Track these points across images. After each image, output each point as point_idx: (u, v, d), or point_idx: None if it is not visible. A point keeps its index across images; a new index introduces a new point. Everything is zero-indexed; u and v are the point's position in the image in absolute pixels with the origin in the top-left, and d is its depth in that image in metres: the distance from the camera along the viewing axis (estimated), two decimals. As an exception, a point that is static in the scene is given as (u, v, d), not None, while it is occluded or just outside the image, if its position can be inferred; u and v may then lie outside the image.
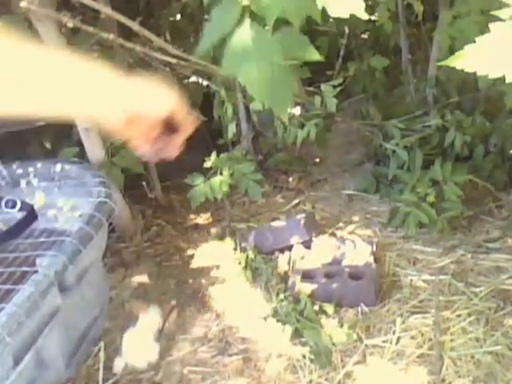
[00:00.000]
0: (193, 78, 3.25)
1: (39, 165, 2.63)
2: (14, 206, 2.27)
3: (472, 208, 2.80)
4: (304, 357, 2.12)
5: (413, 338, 2.15)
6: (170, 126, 0.94)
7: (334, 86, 2.99)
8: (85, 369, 2.17)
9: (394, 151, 2.96)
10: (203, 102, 3.33)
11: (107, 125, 0.87)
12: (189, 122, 0.96)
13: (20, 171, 2.61)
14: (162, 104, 0.87)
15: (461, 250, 2.60)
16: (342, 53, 3.78)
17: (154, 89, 0.87)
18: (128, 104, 0.84)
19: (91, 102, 0.84)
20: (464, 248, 2.61)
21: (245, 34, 1.22)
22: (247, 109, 3.20)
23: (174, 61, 2.45)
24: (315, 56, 1.26)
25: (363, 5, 1.21)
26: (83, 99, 0.83)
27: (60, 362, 2.01)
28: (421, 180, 2.77)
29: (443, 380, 1.95)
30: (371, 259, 2.50)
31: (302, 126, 3.01)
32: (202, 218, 3.14)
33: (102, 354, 2.20)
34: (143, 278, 2.66)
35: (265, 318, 2.33)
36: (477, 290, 2.34)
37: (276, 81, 1.24)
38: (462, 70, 1.06)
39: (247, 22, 1.22)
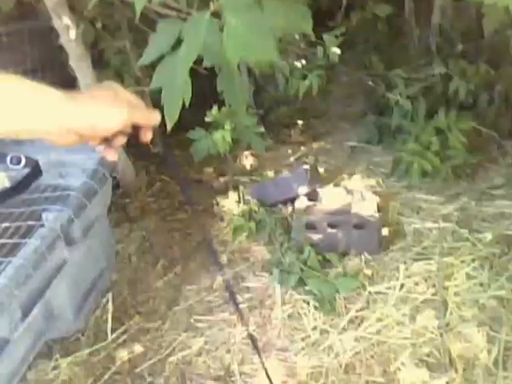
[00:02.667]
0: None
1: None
2: (18, 163, 2.24)
3: (476, 156, 2.74)
4: (308, 304, 2.10)
5: (416, 284, 2.12)
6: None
7: (337, 36, 2.89)
8: (93, 320, 2.16)
9: (397, 101, 2.88)
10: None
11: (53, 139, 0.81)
12: (148, 121, 0.89)
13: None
14: (110, 122, 0.80)
15: (465, 197, 2.54)
16: (344, 2, 3.63)
17: (102, 107, 0.80)
18: (73, 126, 0.79)
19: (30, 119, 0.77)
20: (468, 195, 2.55)
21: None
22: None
23: (173, 14, 2.36)
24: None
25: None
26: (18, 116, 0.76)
27: (69, 313, 2.00)
28: (425, 129, 2.71)
29: (447, 325, 1.92)
30: (375, 209, 2.44)
31: (304, 78, 2.92)
32: (206, 173, 3.09)
33: (110, 305, 2.19)
34: (148, 233, 2.64)
35: (269, 268, 2.30)
36: (481, 236, 2.30)
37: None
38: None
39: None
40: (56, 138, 0.81)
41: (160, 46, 1.27)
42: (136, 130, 0.89)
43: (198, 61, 3.59)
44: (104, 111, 0.81)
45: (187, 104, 1.28)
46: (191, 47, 1.15)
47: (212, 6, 1.12)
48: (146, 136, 0.90)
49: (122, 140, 0.88)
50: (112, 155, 0.88)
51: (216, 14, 1.12)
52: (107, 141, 0.87)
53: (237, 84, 1.29)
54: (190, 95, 1.27)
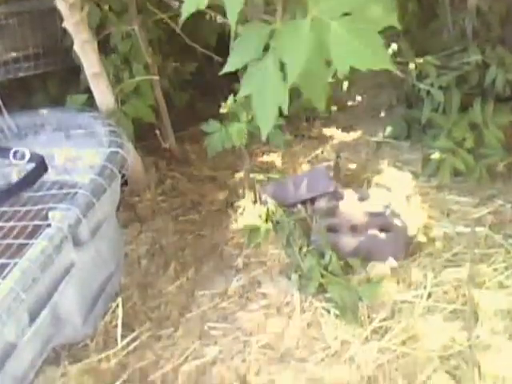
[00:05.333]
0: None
1: (46, 114, 2.67)
2: (22, 157, 2.33)
3: (513, 154, 2.77)
4: (329, 312, 2.18)
5: (445, 293, 2.19)
6: None
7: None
8: (103, 325, 2.26)
9: (428, 92, 2.92)
10: (217, 42, 3.31)
11: None
12: None
13: (27, 121, 2.65)
14: None
15: (499, 199, 2.60)
16: (370, -17, 3.68)
17: None
18: None
19: None
20: (503, 198, 2.61)
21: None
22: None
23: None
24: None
25: None
26: None
27: (77, 318, 2.09)
28: (458, 123, 2.74)
29: (478, 337, 1.99)
30: (401, 210, 2.52)
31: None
32: (219, 170, 3.17)
33: (119, 311, 2.29)
34: (159, 234, 2.73)
35: (287, 273, 2.39)
36: (516, 242, 2.36)
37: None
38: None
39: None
40: None
41: (247, 52, 1.36)
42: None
43: (211, 48, 3.67)
44: None
45: (285, 111, 1.35)
46: (292, 55, 1.23)
47: (311, 11, 1.19)
48: None
49: None
50: None
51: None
52: None
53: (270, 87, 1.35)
54: (287, 102, 1.34)
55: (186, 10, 1.36)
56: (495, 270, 2.24)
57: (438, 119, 2.89)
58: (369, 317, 2.15)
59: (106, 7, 2.96)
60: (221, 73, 1.46)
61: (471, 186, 2.71)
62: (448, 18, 3.38)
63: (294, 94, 3.57)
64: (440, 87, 2.88)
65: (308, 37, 1.21)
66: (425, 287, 2.22)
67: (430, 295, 2.19)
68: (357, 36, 1.18)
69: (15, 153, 2.36)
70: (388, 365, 1.96)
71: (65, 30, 2.62)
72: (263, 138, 1.37)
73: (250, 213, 2.73)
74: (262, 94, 1.36)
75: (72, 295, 2.05)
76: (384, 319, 2.13)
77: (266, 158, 3.21)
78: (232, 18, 1.26)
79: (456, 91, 2.87)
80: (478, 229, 2.45)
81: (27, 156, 2.33)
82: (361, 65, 1.21)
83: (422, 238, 2.47)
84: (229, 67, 1.42)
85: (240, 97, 2.78)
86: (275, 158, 3.20)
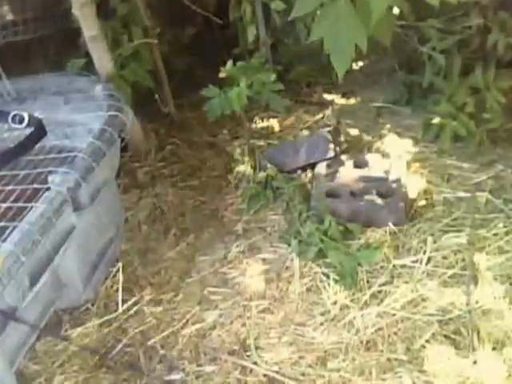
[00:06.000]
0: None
1: (45, 78, 2.65)
2: (21, 121, 2.30)
3: (514, 119, 2.73)
4: (328, 277, 2.18)
5: (445, 257, 2.18)
6: None
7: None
8: (104, 290, 2.27)
9: (429, 56, 2.86)
10: (216, 4, 3.26)
11: None
12: None
13: (26, 86, 2.63)
14: None
15: (500, 164, 2.57)
16: None
17: None
18: None
19: None
20: (504, 163, 2.58)
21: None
22: (265, 11, 3.11)
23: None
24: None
25: None
26: None
27: (78, 282, 2.11)
28: (459, 88, 2.70)
29: (477, 302, 1.98)
30: (401, 176, 2.50)
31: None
32: (219, 136, 3.15)
33: (120, 275, 2.30)
34: (159, 200, 2.73)
35: (287, 239, 2.38)
36: (516, 207, 2.33)
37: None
38: None
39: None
40: None
41: None
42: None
43: (211, 10, 3.60)
44: None
45: (364, 49, 1.42)
46: None
47: None
48: None
49: None
50: None
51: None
52: None
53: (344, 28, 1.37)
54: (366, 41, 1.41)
55: None
56: (495, 234, 2.22)
57: (439, 84, 2.85)
58: (368, 282, 2.14)
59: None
60: (291, 16, 1.50)
61: (471, 151, 2.68)
62: (451, -19, 3.31)
63: (295, 58, 3.53)
64: (442, 51, 2.83)
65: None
66: (424, 252, 2.21)
67: (429, 260, 2.18)
68: None
69: (14, 116, 2.33)
70: (387, 329, 1.96)
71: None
72: (340, 79, 1.46)
73: (249, 179, 2.71)
74: (337, 36, 1.41)
75: (73, 259, 2.06)
76: (383, 284, 2.13)
77: (265, 124, 3.17)
78: None
79: (457, 55, 2.82)
80: (478, 194, 2.43)
81: (26, 120, 2.30)
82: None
83: (421, 203, 2.45)
84: (297, 12, 1.44)
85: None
86: (275, 124, 3.17)
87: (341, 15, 1.38)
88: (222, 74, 2.77)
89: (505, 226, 2.26)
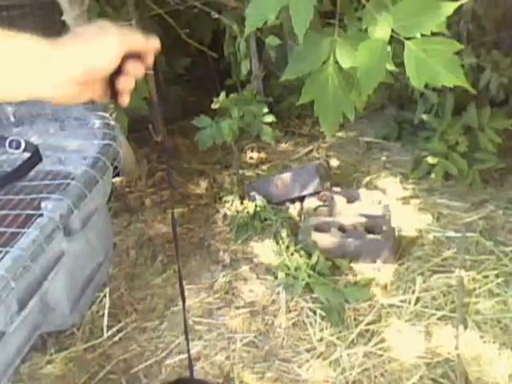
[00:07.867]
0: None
1: (42, 104, 2.64)
2: (18, 147, 2.30)
3: (506, 160, 2.71)
4: (315, 313, 2.12)
5: (434, 298, 2.14)
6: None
7: (359, 19, 2.89)
8: (90, 315, 2.23)
9: (421, 93, 2.87)
10: (212, 39, 3.29)
11: (60, 99, 0.82)
12: (147, 45, 0.91)
13: (24, 111, 2.63)
14: (102, 56, 0.81)
15: (491, 205, 2.55)
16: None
17: (89, 43, 0.81)
18: (65, 73, 0.79)
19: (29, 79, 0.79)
20: (495, 203, 2.56)
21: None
22: (259, 46, 3.13)
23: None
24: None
25: None
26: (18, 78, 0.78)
27: (65, 306, 2.07)
28: (452, 126, 2.68)
29: (466, 345, 1.94)
30: (390, 213, 2.47)
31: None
32: (209, 164, 3.12)
33: (107, 301, 2.26)
34: (148, 225, 2.69)
35: (274, 272, 2.32)
36: (507, 249, 2.31)
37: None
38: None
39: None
40: (54, 92, 0.80)
41: (309, 61, 1.45)
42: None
43: (206, 42, 3.60)
44: (93, 46, 0.80)
45: (352, 118, 1.49)
46: (367, 71, 1.37)
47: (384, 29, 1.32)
48: (148, 61, 0.90)
49: (130, 76, 0.87)
50: (124, 99, 0.90)
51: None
52: (113, 84, 0.86)
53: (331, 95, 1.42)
54: (353, 110, 1.48)
55: (251, 26, 1.41)
56: (485, 277, 2.19)
57: (430, 121, 2.83)
58: (355, 319, 2.09)
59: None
60: (282, 79, 1.54)
61: (462, 191, 2.66)
62: (443, 20, 3.34)
63: (286, 90, 3.53)
64: (433, 89, 2.83)
65: (383, 54, 1.36)
66: (413, 292, 2.17)
67: (418, 300, 2.14)
68: (433, 56, 1.33)
69: (11, 142, 2.33)
70: (373, 370, 1.91)
71: (64, 23, 2.55)
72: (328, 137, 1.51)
73: (237, 209, 2.68)
74: (325, 103, 1.46)
75: (61, 284, 2.03)
76: (371, 323, 2.08)
77: (255, 154, 3.15)
78: (300, 33, 1.34)
79: (450, 93, 2.82)
80: (468, 234, 2.40)
81: (23, 145, 2.31)
82: (437, 82, 1.36)
83: (410, 242, 2.42)
84: (288, 75, 1.50)
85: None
86: (265, 155, 3.15)
87: (329, 84, 1.42)
88: (214, 105, 2.76)
89: (495, 269, 2.23)
